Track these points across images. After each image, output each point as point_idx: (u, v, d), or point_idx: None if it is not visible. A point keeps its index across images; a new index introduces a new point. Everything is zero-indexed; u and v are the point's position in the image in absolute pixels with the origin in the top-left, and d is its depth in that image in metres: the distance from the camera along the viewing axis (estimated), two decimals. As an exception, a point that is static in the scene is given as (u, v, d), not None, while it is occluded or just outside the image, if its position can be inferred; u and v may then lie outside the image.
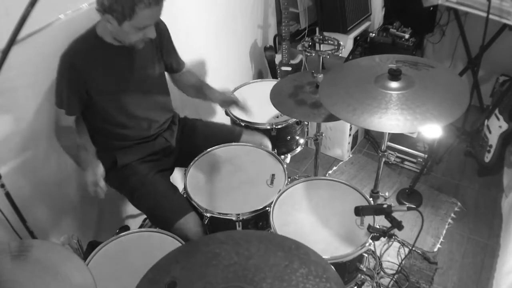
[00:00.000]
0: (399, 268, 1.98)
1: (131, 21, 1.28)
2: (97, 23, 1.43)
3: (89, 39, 1.42)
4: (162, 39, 1.59)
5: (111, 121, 1.56)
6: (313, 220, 1.43)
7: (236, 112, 1.85)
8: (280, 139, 1.92)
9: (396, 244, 2.10)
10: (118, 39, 1.41)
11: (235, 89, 2.14)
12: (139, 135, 1.65)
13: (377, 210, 1.29)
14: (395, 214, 1.25)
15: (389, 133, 1.58)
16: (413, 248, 2.07)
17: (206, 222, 1.48)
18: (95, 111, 1.53)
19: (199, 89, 1.76)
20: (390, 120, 1.27)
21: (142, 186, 1.58)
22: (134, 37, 1.35)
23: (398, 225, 1.23)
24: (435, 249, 2.09)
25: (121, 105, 1.54)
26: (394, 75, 1.38)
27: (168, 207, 1.52)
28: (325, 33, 2.13)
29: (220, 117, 2.44)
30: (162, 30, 1.58)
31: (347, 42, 2.62)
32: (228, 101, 1.71)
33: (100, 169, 1.40)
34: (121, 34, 1.36)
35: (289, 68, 2.66)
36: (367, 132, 2.88)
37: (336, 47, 1.87)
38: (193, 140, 1.79)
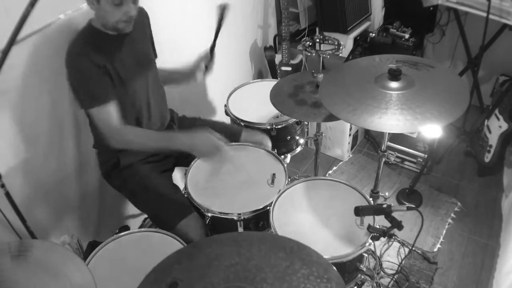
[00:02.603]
0: (399, 268, 1.98)
1: None
2: (91, 18, 1.44)
3: (87, 32, 1.43)
4: (149, 25, 1.62)
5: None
6: (313, 220, 1.43)
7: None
8: (280, 139, 1.92)
9: (396, 244, 2.10)
10: (104, 24, 1.40)
11: (235, 89, 2.14)
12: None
13: (377, 210, 1.29)
14: (395, 214, 1.25)
15: (389, 133, 1.58)
16: (413, 248, 2.07)
17: (207, 222, 1.48)
18: None
19: (168, 77, 1.71)
20: (390, 120, 1.27)
21: (144, 187, 1.58)
22: (114, 15, 1.35)
23: (398, 225, 1.23)
24: (435, 249, 2.09)
25: (122, 94, 1.50)
26: (394, 75, 1.38)
27: (170, 209, 1.53)
28: (325, 33, 2.13)
29: (219, 117, 2.44)
30: (147, 17, 1.60)
31: (347, 42, 2.62)
32: (199, 61, 1.64)
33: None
34: (104, 15, 1.36)
35: (289, 68, 2.66)
36: (367, 132, 2.88)
37: (336, 47, 1.87)
38: None
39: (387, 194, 1.97)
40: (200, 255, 1.04)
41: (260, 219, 1.52)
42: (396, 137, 2.55)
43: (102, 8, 1.33)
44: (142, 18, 1.57)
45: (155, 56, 1.73)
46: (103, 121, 1.41)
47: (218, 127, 1.84)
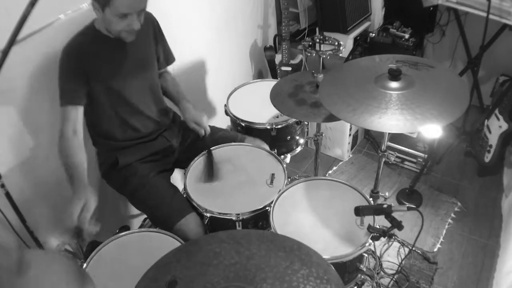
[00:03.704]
0: (399, 268, 1.98)
1: (110, 8, 1.32)
2: (95, 18, 1.46)
3: (88, 33, 1.46)
4: (155, 30, 1.64)
5: (112, 116, 1.57)
6: (313, 220, 1.43)
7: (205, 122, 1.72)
8: (280, 139, 1.92)
9: (396, 244, 2.10)
10: (107, 29, 1.43)
11: (235, 89, 2.14)
12: (139, 133, 1.65)
13: (377, 210, 1.29)
14: (395, 214, 1.25)
15: (389, 133, 1.58)
16: (413, 248, 2.07)
17: (206, 222, 1.48)
18: (96, 106, 1.53)
19: (174, 100, 1.78)
20: (390, 120, 1.27)
21: (142, 186, 1.58)
22: (117, 26, 1.38)
23: (398, 225, 1.23)
24: (435, 249, 2.10)
25: (120, 96, 1.54)
26: (394, 75, 1.38)
27: (168, 208, 1.53)
28: (325, 33, 2.13)
29: (220, 117, 2.44)
30: (153, 22, 1.62)
31: (347, 42, 2.62)
32: (198, 122, 1.70)
33: (94, 203, 1.30)
34: (106, 23, 1.39)
35: (289, 68, 2.66)
36: (367, 132, 2.88)
37: (336, 47, 1.87)
38: (196, 146, 1.79)
39: (387, 194, 1.97)
40: (199, 253, 1.04)
41: (259, 220, 1.52)
42: (396, 137, 2.55)
43: (106, 18, 1.35)
44: (148, 23, 1.57)
45: (173, 59, 1.77)
46: (61, 122, 1.42)
47: (222, 135, 1.82)
